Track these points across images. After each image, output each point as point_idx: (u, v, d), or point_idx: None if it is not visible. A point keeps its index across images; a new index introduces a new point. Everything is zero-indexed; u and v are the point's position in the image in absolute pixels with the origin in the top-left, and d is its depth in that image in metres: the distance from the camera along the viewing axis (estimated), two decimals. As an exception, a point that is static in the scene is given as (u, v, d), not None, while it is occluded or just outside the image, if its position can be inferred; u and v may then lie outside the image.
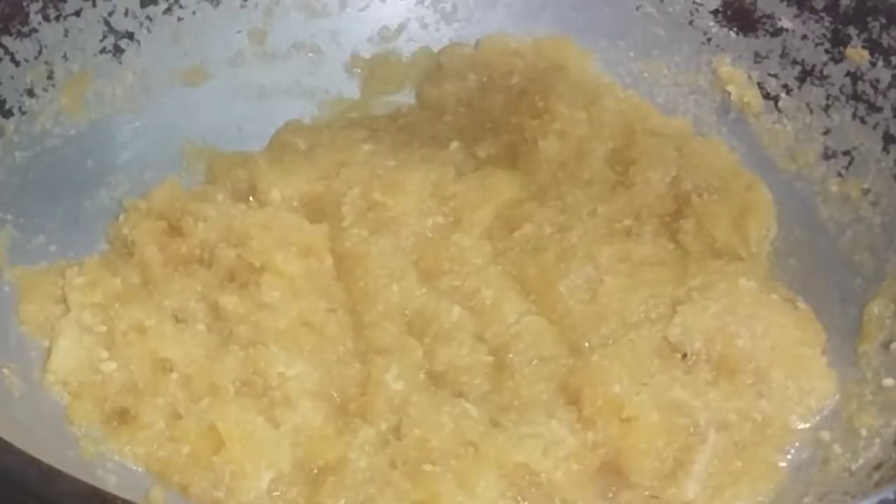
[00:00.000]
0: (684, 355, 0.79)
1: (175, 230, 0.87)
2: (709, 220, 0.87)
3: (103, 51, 0.91)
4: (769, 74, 0.93)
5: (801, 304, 0.80)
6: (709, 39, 0.96)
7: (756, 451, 0.76)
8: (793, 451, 0.77)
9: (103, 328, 0.81)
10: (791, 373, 0.77)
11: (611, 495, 0.74)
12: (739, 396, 0.77)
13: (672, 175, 0.90)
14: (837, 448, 0.74)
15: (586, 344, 0.81)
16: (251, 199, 0.91)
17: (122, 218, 0.89)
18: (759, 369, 0.77)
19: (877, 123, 0.86)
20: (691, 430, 0.75)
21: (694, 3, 0.96)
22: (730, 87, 0.95)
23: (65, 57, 0.88)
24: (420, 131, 0.96)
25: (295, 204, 0.90)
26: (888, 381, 0.76)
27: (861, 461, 0.72)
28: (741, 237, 0.87)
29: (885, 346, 0.78)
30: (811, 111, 0.90)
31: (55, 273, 0.84)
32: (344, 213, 0.89)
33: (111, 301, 0.82)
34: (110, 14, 0.91)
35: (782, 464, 0.76)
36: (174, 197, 0.89)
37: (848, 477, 0.71)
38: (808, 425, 0.77)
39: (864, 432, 0.74)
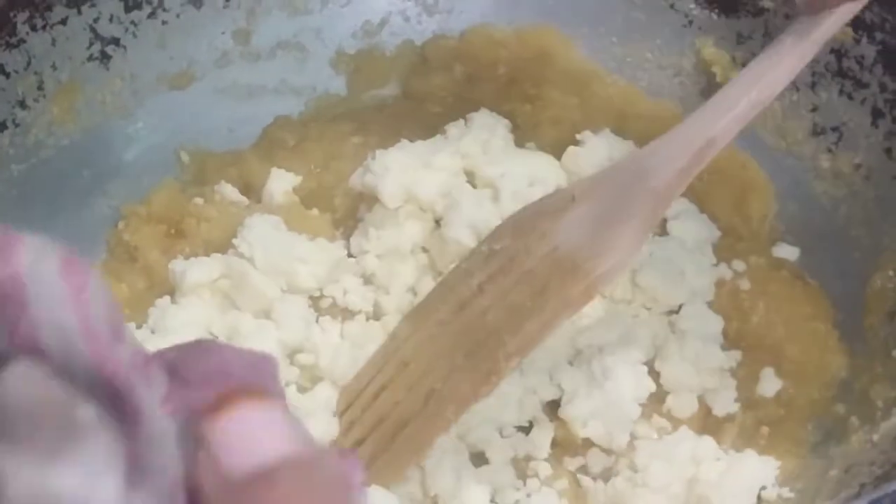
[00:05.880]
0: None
1: (177, 233, 0.87)
2: (709, 202, 0.88)
3: (91, 58, 0.90)
4: (753, 54, 0.93)
5: (810, 280, 0.81)
6: (690, 22, 0.95)
7: (779, 429, 0.77)
8: (811, 426, 0.78)
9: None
10: (805, 348, 0.78)
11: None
12: (759, 374, 0.78)
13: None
14: (855, 421, 0.75)
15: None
16: (246, 197, 0.91)
17: (121, 225, 0.88)
18: (774, 346, 0.78)
19: (864, 99, 0.87)
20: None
21: (674, -15, 0.96)
22: (714, 69, 0.94)
23: (53, 66, 0.87)
24: (408, 121, 0.95)
25: (289, 199, 0.90)
26: (896, 352, 0.77)
27: (881, 431, 0.73)
28: (742, 217, 0.88)
29: (891, 317, 0.79)
30: (797, 89, 0.90)
31: (58, 284, 0.83)
32: (336, 205, 0.89)
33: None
34: (96, 21, 0.89)
35: (804, 439, 0.77)
36: (173, 200, 0.89)
37: (870, 448, 0.72)
38: (824, 399, 0.78)
39: (879, 403, 0.75)
